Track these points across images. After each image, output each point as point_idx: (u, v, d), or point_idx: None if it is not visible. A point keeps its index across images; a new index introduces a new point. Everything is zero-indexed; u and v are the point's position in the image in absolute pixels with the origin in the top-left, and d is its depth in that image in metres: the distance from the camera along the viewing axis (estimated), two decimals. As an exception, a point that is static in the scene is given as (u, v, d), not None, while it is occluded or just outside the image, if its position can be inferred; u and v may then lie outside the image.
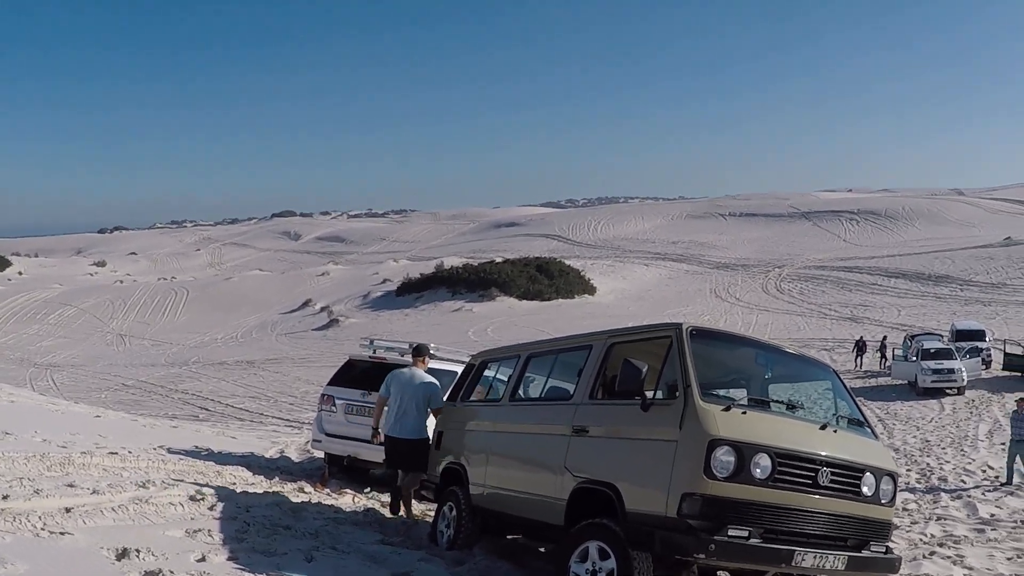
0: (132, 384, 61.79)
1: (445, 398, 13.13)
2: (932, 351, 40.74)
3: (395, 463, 13.18)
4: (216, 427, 32.95)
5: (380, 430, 13.37)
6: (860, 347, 51.05)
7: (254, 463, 18.27)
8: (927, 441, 28.80)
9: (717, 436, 7.52)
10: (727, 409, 7.80)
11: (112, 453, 15.09)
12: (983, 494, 20.18)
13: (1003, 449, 24.30)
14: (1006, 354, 43.31)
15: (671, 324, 8.70)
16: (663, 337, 8.70)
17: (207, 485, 13.02)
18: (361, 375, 17.35)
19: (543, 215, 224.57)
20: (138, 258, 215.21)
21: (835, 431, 8.52)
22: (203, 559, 8.63)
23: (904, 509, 17.90)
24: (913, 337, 48.32)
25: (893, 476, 8.83)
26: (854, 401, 9.63)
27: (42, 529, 8.43)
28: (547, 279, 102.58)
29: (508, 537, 11.63)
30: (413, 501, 13.52)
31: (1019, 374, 41.08)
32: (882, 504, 8.63)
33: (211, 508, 11.19)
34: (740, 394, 9.15)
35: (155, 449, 17.97)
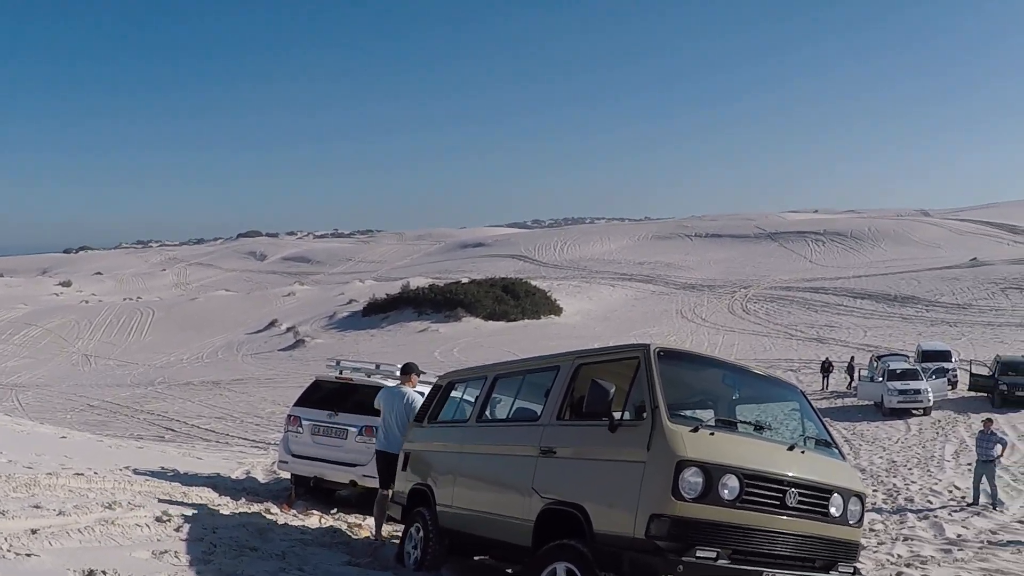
0: (98, 404, 61.39)
1: (412, 419, 13.11)
2: (898, 372, 40.88)
3: (385, 477, 13.16)
4: (182, 448, 32.78)
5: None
6: (826, 368, 51.23)
7: (220, 484, 18.18)
8: (893, 462, 28.90)
9: (685, 457, 7.52)
10: (695, 430, 7.80)
11: (78, 474, 14.99)
12: (950, 514, 20.28)
13: (969, 469, 24.45)
14: (972, 375, 43.51)
15: (639, 345, 8.71)
16: (631, 358, 8.71)
17: (173, 505, 12.95)
18: (328, 396, 17.33)
19: (509, 235, 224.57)
20: (104, 278, 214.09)
21: (803, 452, 8.53)
22: (169, 581, 8.59)
23: (871, 529, 17.95)
24: (879, 358, 48.52)
25: (861, 497, 8.85)
26: (821, 422, 9.65)
27: (8, 551, 8.36)
28: (513, 300, 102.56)
29: (475, 558, 11.61)
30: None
31: (985, 395, 41.27)
32: (850, 525, 8.64)
33: (177, 529, 11.13)
34: (708, 415, 9.19)
35: (121, 470, 17.87)
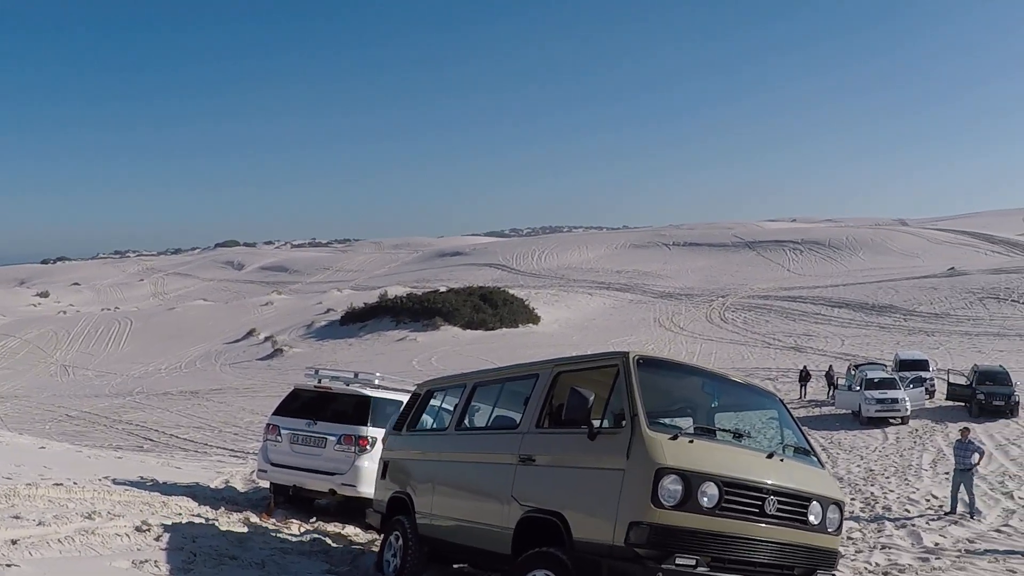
0: (76, 415, 61.11)
1: (391, 427, 13.10)
2: (876, 381, 40.92)
3: None
4: (161, 457, 32.67)
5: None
6: (804, 376, 51.27)
7: (200, 493, 18.14)
8: (871, 470, 28.94)
9: (664, 465, 7.53)
10: (674, 438, 7.82)
11: (57, 484, 14.94)
12: (927, 523, 20.32)
13: (947, 478, 24.51)
14: (949, 384, 43.56)
15: (618, 353, 8.71)
16: (610, 366, 8.72)
17: (153, 515, 12.90)
18: (306, 405, 17.31)
19: (487, 244, 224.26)
20: (81, 288, 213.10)
21: (781, 460, 8.55)
22: (149, 590, 8.55)
23: (849, 538, 17.98)
24: (857, 367, 48.58)
25: (839, 505, 8.87)
26: (800, 430, 9.68)
27: (-12, 561, 8.32)
28: (491, 308, 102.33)
29: (455, 566, 11.61)
30: (359, 531, 13.45)
31: (962, 404, 41.35)
32: (828, 533, 8.67)
33: (157, 539, 11.10)
34: (687, 423, 9.19)
35: (100, 480, 17.82)
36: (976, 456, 22.00)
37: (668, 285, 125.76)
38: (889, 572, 14.81)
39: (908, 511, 21.99)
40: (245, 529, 13.50)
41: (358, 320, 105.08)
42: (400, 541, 11.30)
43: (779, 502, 8.12)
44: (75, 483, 15.65)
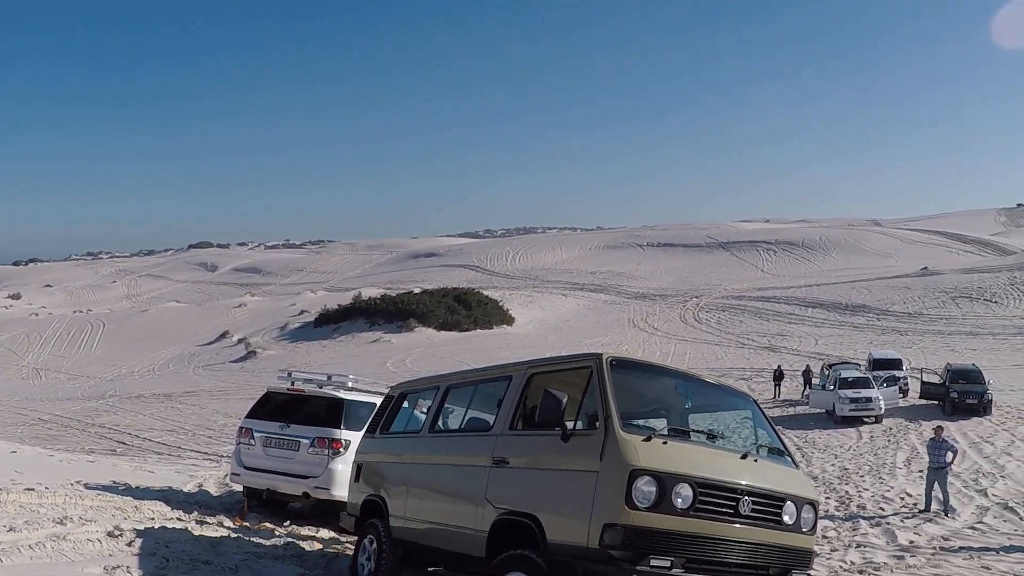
0: (48, 418, 60.73)
1: (364, 430, 13.05)
2: (850, 380, 41.05)
3: None
4: (134, 461, 32.48)
5: None
6: (778, 376, 51.36)
7: (173, 497, 18.07)
8: (845, 469, 29.03)
9: (638, 466, 7.51)
10: (648, 439, 7.80)
11: (28, 489, 14.85)
12: (902, 521, 20.40)
13: (921, 477, 24.60)
14: (923, 383, 43.70)
15: (591, 354, 8.70)
16: (583, 367, 8.70)
17: (125, 520, 12.83)
18: (279, 407, 17.24)
19: (461, 245, 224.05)
20: (54, 290, 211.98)
21: (756, 460, 8.55)
22: (121, 596, 8.49)
23: (824, 537, 18.02)
24: (831, 366, 48.72)
25: (814, 504, 8.88)
26: (774, 430, 9.68)
27: (-42, 569, 8.25)
28: (465, 310, 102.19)
29: (429, 569, 11.56)
30: (333, 534, 13.40)
31: (936, 402, 41.51)
32: (803, 532, 8.67)
33: (129, 544, 11.03)
34: (660, 424, 9.18)
35: (72, 485, 17.72)
36: (950, 455, 22.08)
37: (642, 286, 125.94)
38: (864, 570, 14.84)
39: (883, 509, 22.07)
40: (218, 533, 13.43)
41: (332, 322, 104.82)
42: (374, 544, 11.26)
43: (753, 502, 8.12)
44: (47, 488, 15.55)
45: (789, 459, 9.38)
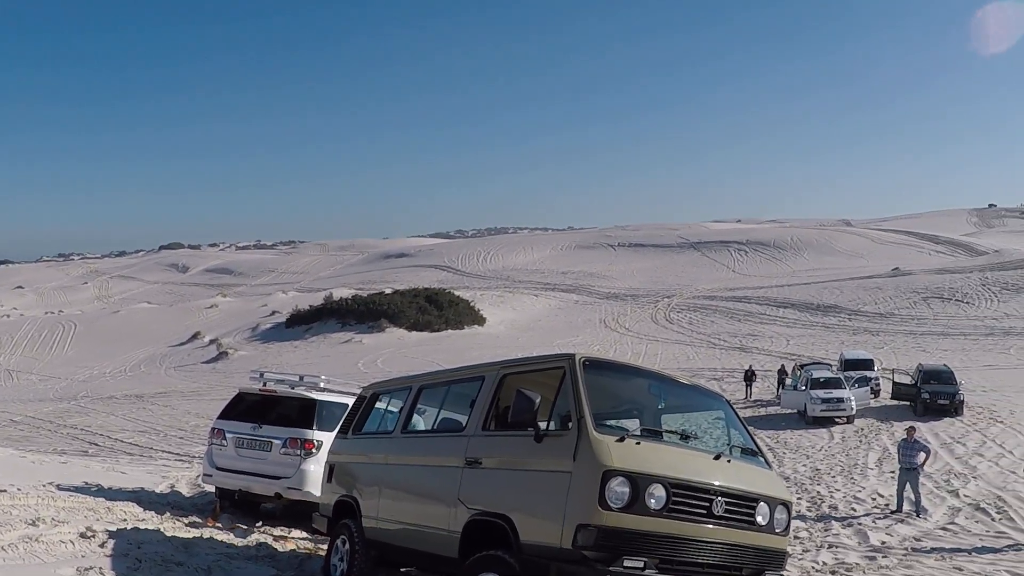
0: (20, 420, 60.37)
1: (336, 431, 13.02)
2: (821, 380, 41.15)
3: None
4: (106, 462, 32.30)
5: None
6: (749, 376, 51.47)
7: (145, 498, 18.01)
8: (817, 469, 29.10)
9: (611, 467, 7.50)
10: (621, 440, 7.79)
11: (0, 491, 14.74)
12: (873, 522, 20.47)
13: (892, 477, 24.69)
14: (894, 383, 43.85)
15: (564, 355, 8.69)
16: (556, 368, 8.69)
17: (98, 521, 12.77)
18: (251, 408, 17.19)
19: (432, 246, 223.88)
20: (24, 292, 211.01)
21: (729, 461, 8.55)
22: (94, 597, 8.45)
23: (796, 537, 18.06)
24: (802, 366, 48.88)
25: (787, 505, 8.89)
26: (747, 430, 9.70)
27: (-71, 571, 8.19)
28: (437, 310, 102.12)
29: (402, 570, 11.54)
30: (306, 535, 13.38)
31: (907, 403, 41.65)
32: (776, 533, 8.68)
33: (102, 545, 11.00)
34: (633, 425, 9.17)
35: (44, 486, 17.63)
36: (922, 456, 22.17)
37: (613, 286, 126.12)
38: (836, 571, 14.89)
39: (855, 510, 22.14)
40: (191, 534, 13.39)
41: (303, 322, 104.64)
42: (347, 545, 11.24)
43: (726, 503, 8.13)
44: (19, 489, 15.46)
45: (762, 459, 9.40)
